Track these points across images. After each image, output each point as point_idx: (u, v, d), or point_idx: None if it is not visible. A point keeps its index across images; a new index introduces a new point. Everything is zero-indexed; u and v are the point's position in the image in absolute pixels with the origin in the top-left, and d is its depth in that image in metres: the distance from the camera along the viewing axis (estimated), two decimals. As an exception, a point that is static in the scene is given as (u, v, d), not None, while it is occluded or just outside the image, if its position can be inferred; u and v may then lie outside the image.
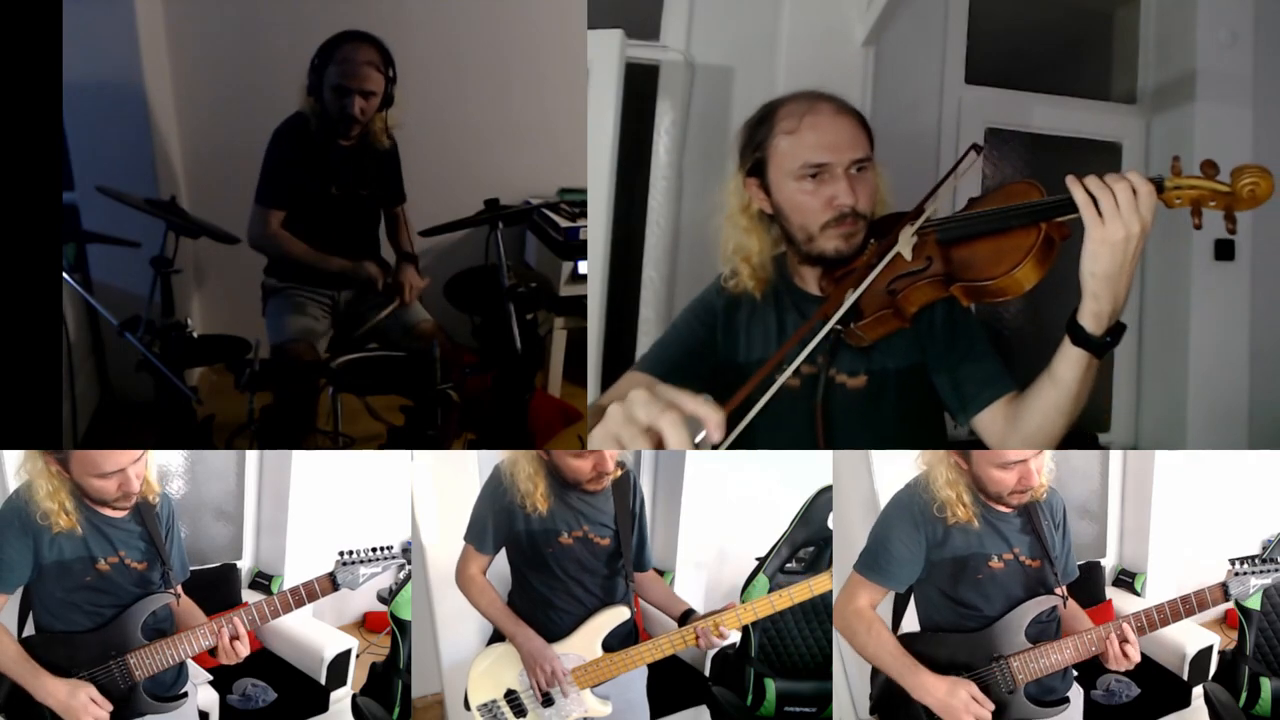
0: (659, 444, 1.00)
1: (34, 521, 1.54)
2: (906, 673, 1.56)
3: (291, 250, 2.68)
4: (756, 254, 1.75)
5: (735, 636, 1.72)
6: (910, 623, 1.70)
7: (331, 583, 1.64)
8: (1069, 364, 1.47)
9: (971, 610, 1.58)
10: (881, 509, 1.67)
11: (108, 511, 1.58)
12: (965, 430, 1.74)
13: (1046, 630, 1.60)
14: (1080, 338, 1.44)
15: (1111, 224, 1.36)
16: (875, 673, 1.66)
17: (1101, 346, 1.44)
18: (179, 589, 1.64)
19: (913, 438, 1.72)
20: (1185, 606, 1.56)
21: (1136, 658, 1.55)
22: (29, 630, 1.60)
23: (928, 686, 1.55)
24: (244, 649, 1.60)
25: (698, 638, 1.69)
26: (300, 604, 1.62)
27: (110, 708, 1.54)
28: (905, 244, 1.57)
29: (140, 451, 1.59)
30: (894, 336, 1.63)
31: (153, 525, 1.61)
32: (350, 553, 1.64)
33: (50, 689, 1.52)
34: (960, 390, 1.68)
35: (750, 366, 1.75)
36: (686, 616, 1.74)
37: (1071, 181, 1.40)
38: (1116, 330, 1.44)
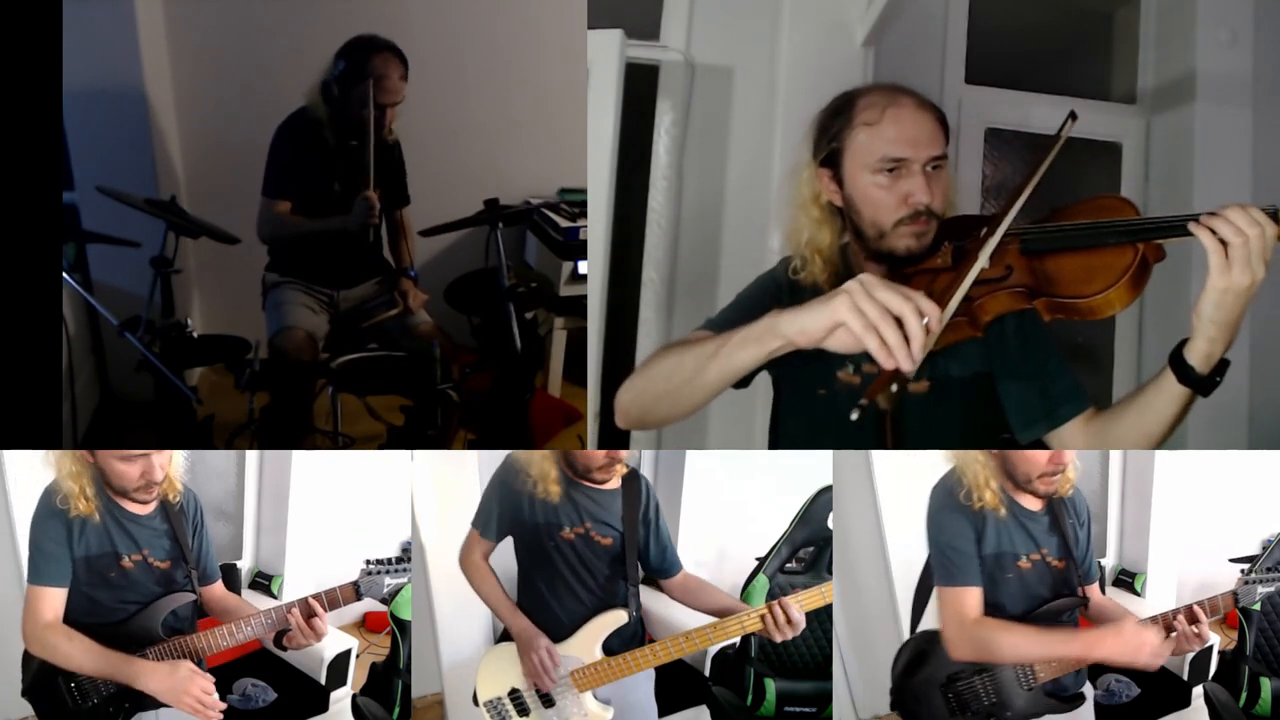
0: (896, 326, 1.21)
1: (59, 509, 1.55)
2: (1074, 642, 1.54)
3: (297, 227, 2.69)
4: (828, 246, 1.71)
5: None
6: (928, 622, 1.69)
7: (355, 592, 1.65)
8: (1170, 400, 1.44)
9: (997, 609, 1.58)
10: (926, 519, 1.64)
11: (132, 507, 1.60)
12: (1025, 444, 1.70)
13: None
14: (1189, 378, 1.40)
15: (1240, 272, 1.30)
16: (894, 666, 1.65)
17: (1210, 386, 1.41)
18: (209, 587, 1.67)
19: (974, 448, 1.68)
20: (1203, 611, 1.59)
21: (1208, 635, 1.58)
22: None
23: (1103, 635, 1.53)
24: (323, 627, 1.61)
25: (764, 626, 1.64)
26: (323, 610, 1.63)
27: (213, 680, 1.57)
28: (985, 252, 1.49)
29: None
30: (959, 344, 1.57)
31: (178, 524, 1.62)
32: (376, 562, 1.64)
33: (150, 673, 1.53)
34: (1042, 402, 1.63)
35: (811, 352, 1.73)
36: None
37: (1198, 227, 1.33)
38: (1222, 368, 1.40)
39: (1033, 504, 1.61)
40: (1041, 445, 1.64)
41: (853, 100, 1.66)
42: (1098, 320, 1.46)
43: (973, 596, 1.58)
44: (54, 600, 1.55)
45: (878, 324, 1.21)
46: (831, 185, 1.68)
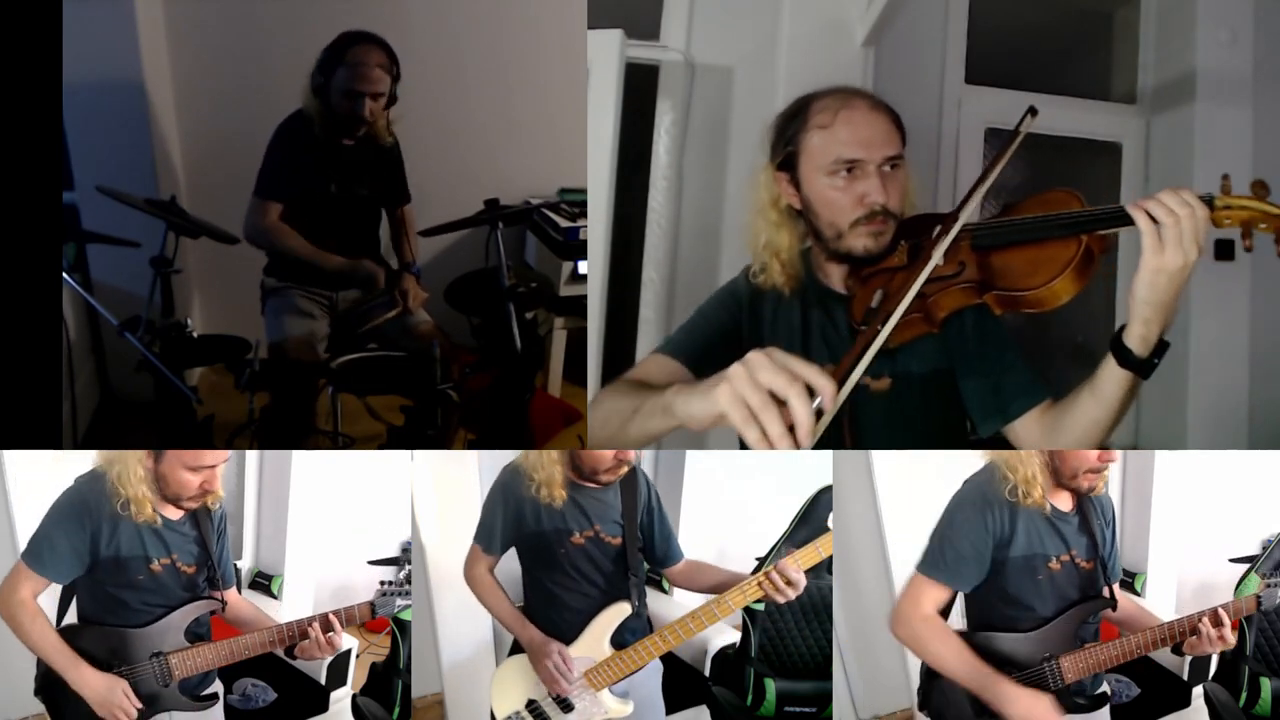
0: (779, 414, 1.09)
1: (106, 509, 1.55)
2: (988, 684, 1.53)
3: (288, 244, 2.68)
4: (786, 249, 1.72)
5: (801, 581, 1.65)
6: (953, 623, 1.67)
7: (371, 611, 1.68)
8: (1114, 384, 1.45)
9: (1027, 611, 1.58)
10: (945, 507, 1.62)
11: (167, 511, 1.60)
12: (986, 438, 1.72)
13: (1089, 630, 1.61)
14: (1129, 361, 1.42)
15: (1172, 252, 1.33)
16: (924, 669, 1.63)
17: (1149, 368, 1.43)
18: (225, 594, 1.67)
19: (935, 444, 1.70)
20: (1227, 614, 1.59)
21: (1231, 639, 1.58)
22: (70, 618, 1.62)
23: (1010, 696, 1.52)
24: (340, 642, 1.65)
25: (765, 591, 1.63)
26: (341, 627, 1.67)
27: (140, 707, 1.56)
28: (939, 252, 1.52)
29: (228, 452, 1.66)
30: (919, 340, 1.59)
31: (206, 530, 1.63)
32: (390, 583, 1.69)
33: (88, 679, 1.54)
34: (996, 397, 1.65)
35: None
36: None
37: (1133, 209, 1.36)
38: (1161, 349, 1.42)
39: (1064, 504, 1.60)
40: (1001, 438, 1.65)
41: (807, 104, 1.68)
42: (1047, 310, 1.48)
43: (937, 594, 1.58)
44: (36, 586, 1.57)
45: (759, 414, 1.10)
46: (789, 188, 1.70)
